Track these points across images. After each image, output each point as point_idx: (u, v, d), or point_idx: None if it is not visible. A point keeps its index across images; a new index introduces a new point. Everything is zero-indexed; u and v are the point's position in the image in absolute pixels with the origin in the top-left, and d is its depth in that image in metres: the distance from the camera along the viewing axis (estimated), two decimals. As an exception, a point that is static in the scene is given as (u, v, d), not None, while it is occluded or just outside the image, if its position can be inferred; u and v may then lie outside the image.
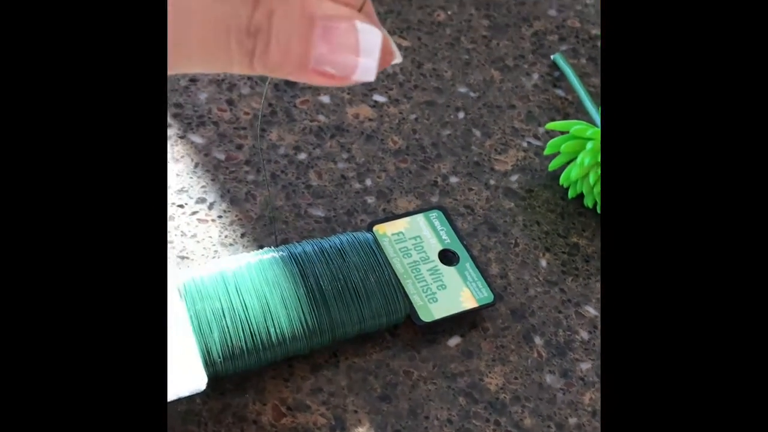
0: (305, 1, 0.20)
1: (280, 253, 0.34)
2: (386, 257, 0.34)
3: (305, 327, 0.31)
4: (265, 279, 0.32)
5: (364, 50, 0.20)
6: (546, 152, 0.41)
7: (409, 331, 0.34)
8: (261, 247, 0.36)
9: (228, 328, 0.31)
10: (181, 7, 0.19)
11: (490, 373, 0.33)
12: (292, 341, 0.31)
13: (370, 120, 0.42)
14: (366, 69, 0.20)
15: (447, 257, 0.36)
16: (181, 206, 0.36)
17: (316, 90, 0.43)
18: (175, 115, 0.40)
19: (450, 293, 0.34)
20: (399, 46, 0.47)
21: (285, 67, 0.20)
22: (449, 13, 0.50)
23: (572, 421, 0.32)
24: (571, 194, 0.40)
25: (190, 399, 0.31)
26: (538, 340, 0.35)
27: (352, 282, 0.33)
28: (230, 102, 0.42)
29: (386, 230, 0.36)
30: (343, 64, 0.20)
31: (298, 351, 0.31)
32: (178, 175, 0.38)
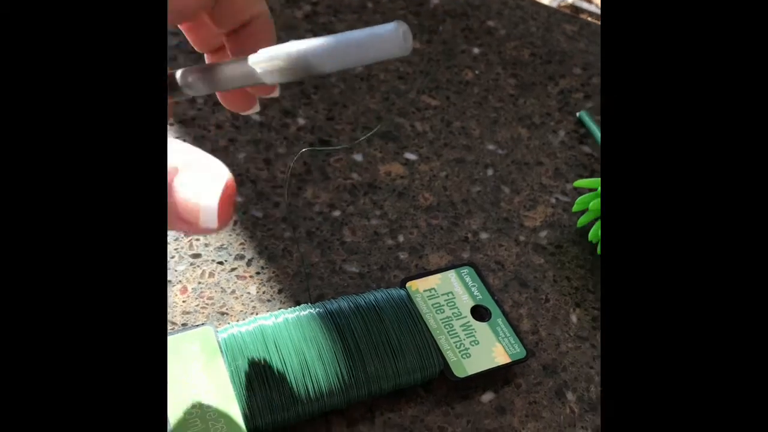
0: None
1: (317, 309, 0.35)
2: (420, 313, 0.35)
3: (342, 382, 0.32)
4: (303, 335, 0.33)
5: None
6: (574, 209, 0.42)
7: (443, 386, 0.34)
8: (298, 302, 0.37)
9: (268, 383, 0.31)
10: None
11: (523, 429, 0.34)
12: (330, 396, 0.32)
13: (402, 177, 0.44)
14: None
15: (479, 313, 0.36)
16: (221, 263, 0.38)
17: (350, 149, 0.45)
18: (214, 174, 0.42)
19: (483, 349, 0.35)
20: (428, 106, 0.49)
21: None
22: (477, 72, 0.51)
23: (607, 478, 0.32)
24: (600, 250, 0.40)
25: (230, 453, 0.31)
26: (570, 396, 0.35)
27: (388, 338, 0.34)
28: (267, 161, 0.43)
29: (419, 286, 0.37)
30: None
31: (335, 406, 0.32)
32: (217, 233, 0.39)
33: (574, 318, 0.38)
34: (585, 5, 0.56)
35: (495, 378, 0.35)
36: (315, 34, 0.52)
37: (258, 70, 0.24)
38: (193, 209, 0.20)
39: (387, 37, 0.23)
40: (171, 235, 0.38)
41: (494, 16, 0.56)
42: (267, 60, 0.24)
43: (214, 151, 0.43)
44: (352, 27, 0.53)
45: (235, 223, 0.40)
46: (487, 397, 0.34)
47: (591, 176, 0.46)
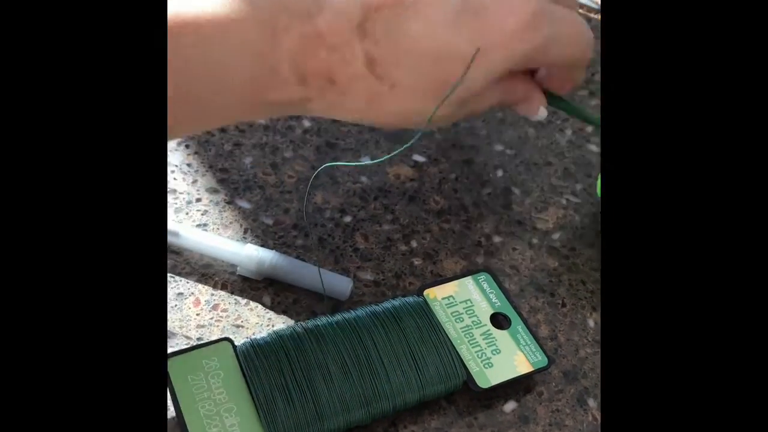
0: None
1: (335, 319, 0.34)
2: (440, 322, 0.35)
3: (366, 395, 0.32)
4: (324, 347, 0.32)
5: None
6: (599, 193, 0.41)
7: (465, 397, 0.34)
8: (314, 312, 0.36)
9: (291, 398, 0.31)
10: None
11: (547, 438, 0.33)
12: (354, 410, 0.31)
13: (411, 180, 0.43)
14: None
15: (498, 321, 0.36)
16: (232, 273, 0.37)
17: (357, 151, 0.44)
18: (221, 180, 0.41)
19: (505, 358, 0.34)
20: (434, 105, 0.48)
21: None
22: (480, 70, 0.51)
23: (632, 486, 0.32)
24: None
25: (253, 472, 0.31)
26: (592, 403, 0.35)
27: (410, 349, 0.33)
28: (274, 166, 0.42)
29: (436, 294, 0.36)
30: None
31: (359, 421, 0.32)
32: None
33: (591, 322, 0.38)
34: (586, 1, 0.55)
35: (517, 387, 0.35)
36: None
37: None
38: None
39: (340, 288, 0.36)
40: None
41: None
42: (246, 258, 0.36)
43: (219, 156, 0.42)
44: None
45: (246, 231, 0.39)
46: (510, 406, 0.34)
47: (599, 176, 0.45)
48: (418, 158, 0.44)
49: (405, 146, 0.34)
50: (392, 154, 0.36)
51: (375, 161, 0.43)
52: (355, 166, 0.43)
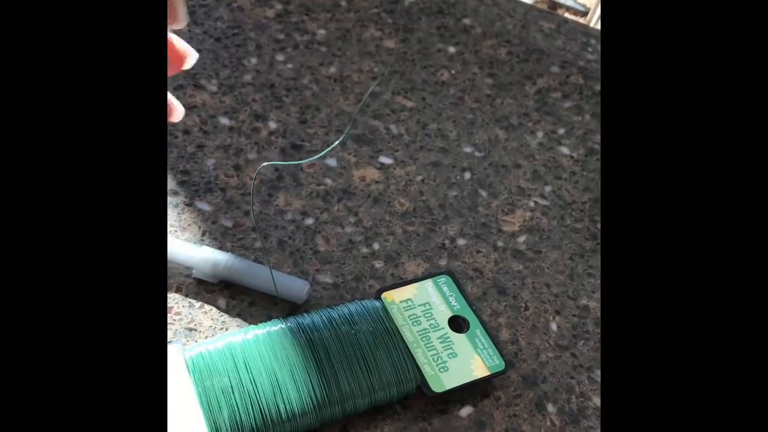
0: None
1: (289, 324, 0.33)
2: (395, 326, 0.34)
3: (315, 401, 0.31)
4: (274, 352, 0.32)
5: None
6: None
7: (420, 401, 0.33)
8: (269, 317, 0.35)
9: (237, 405, 0.30)
10: None
11: (503, 444, 0.33)
12: (302, 417, 0.31)
13: (377, 182, 0.43)
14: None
15: (457, 324, 0.35)
16: (188, 276, 0.36)
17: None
18: (181, 183, 0.41)
19: (461, 361, 0.34)
20: (404, 107, 0.47)
21: None
22: (453, 72, 0.50)
23: (589, 493, 0.32)
24: None
25: (198, 478, 0.30)
26: (550, 408, 0.34)
27: (362, 353, 0.32)
28: (237, 167, 0.42)
29: (395, 297, 0.36)
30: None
31: (307, 426, 0.31)
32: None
33: (554, 326, 0.37)
34: (570, 3, 0.55)
35: (473, 391, 0.34)
36: (286, 35, 0.50)
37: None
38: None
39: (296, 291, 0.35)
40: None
41: (470, 14, 0.55)
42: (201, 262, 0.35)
43: (181, 158, 0.42)
44: (324, 27, 0.52)
45: (204, 233, 0.38)
46: (466, 411, 0.33)
47: (570, 179, 0.45)
48: (385, 160, 0.44)
49: (334, 144, 0.33)
50: (325, 151, 0.35)
51: (309, 160, 0.43)
52: (294, 165, 0.42)
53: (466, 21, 0.55)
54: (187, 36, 0.49)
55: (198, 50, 0.48)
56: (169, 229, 0.38)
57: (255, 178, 0.41)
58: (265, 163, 0.34)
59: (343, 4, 0.54)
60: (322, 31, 0.51)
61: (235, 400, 0.30)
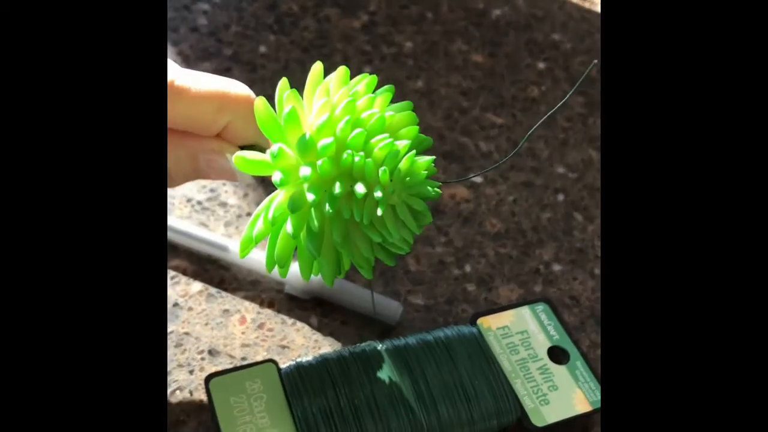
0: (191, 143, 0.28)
1: (384, 345, 0.32)
2: (493, 354, 0.33)
3: (414, 427, 0.30)
4: (371, 374, 0.31)
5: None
6: None
7: (518, 434, 0.32)
8: (361, 336, 0.35)
9: (336, 427, 0.29)
10: None
11: (605, 484, 0.31)
12: (400, 444, 0.30)
13: (467, 201, 0.42)
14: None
15: (556, 355, 0.34)
16: (279, 291, 0.36)
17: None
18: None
19: (562, 395, 0.32)
20: (493, 124, 0.46)
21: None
22: (543, 89, 0.49)
23: None
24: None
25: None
26: (654, 449, 0.32)
27: (461, 381, 0.31)
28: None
29: (491, 324, 0.35)
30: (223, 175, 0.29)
31: (405, 455, 0.30)
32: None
33: (655, 361, 0.36)
34: None
35: (573, 426, 0.33)
36: (373, 47, 0.50)
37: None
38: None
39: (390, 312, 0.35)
40: (229, 260, 0.36)
41: (559, 29, 0.54)
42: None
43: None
44: (411, 39, 0.51)
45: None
46: (566, 447, 0.32)
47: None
48: (475, 179, 0.43)
49: (510, 155, 0.32)
50: (498, 163, 0.34)
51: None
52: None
53: (555, 36, 0.53)
54: (276, 45, 0.49)
55: (285, 60, 0.48)
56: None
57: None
58: None
59: (430, 16, 0.53)
60: (408, 44, 0.51)
61: (334, 422, 0.29)
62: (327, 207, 0.25)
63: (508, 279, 0.38)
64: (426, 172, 0.26)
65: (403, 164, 0.25)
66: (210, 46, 0.48)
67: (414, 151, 0.26)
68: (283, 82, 0.26)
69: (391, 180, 0.25)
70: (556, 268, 0.39)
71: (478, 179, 0.43)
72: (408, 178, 0.25)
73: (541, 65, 0.51)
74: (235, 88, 0.28)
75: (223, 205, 0.39)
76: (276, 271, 0.35)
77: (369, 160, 0.25)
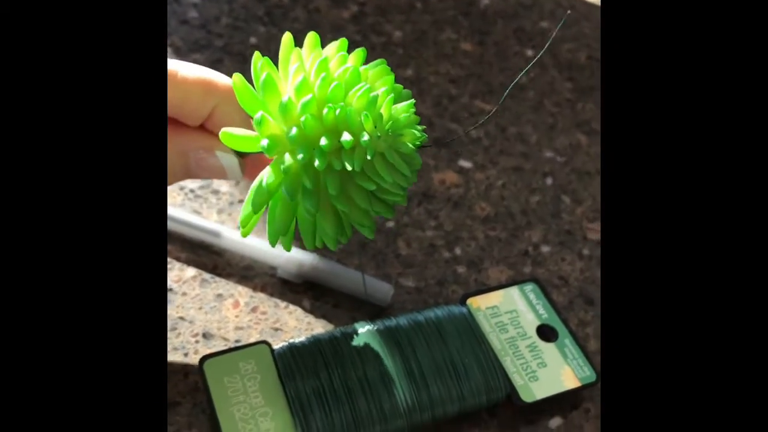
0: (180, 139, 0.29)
1: (376, 326, 0.33)
2: (483, 333, 0.33)
3: (405, 404, 0.30)
4: (363, 354, 0.32)
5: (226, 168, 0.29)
6: None
7: (508, 411, 0.33)
8: (353, 318, 0.35)
9: (328, 405, 0.30)
10: None
11: (594, 457, 0.32)
12: (392, 419, 0.30)
13: (457, 186, 0.42)
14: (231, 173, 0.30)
15: (545, 333, 0.35)
16: (272, 276, 0.36)
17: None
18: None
19: (551, 372, 0.33)
20: (482, 111, 0.47)
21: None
22: (531, 75, 0.50)
23: None
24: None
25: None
26: (642, 423, 0.33)
27: (451, 358, 0.32)
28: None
29: (480, 304, 0.35)
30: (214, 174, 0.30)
31: (397, 430, 0.31)
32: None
33: (643, 338, 0.36)
34: None
35: (563, 402, 0.33)
36: (363, 36, 0.50)
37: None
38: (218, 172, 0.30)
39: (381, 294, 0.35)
40: (222, 246, 0.37)
41: (547, 17, 0.54)
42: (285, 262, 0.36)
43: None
44: (400, 28, 0.51)
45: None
46: (555, 422, 0.33)
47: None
48: (465, 164, 0.43)
49: (490, 113, 0.33)
50: (480, 122, 0.34)
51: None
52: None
53: (543, 24, 0.54)
54: (266, 36, 0.49)
55: (275, 51, 0.48)
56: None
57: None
58: None
59: (419, 5, 0.54)
60: (398, 33, 0.51)
61: (327, 400, 0.30)
62: (317, 162, 0.25)
63: (497, 261, 0.39)
64: (407, 115, 0.27)
65: (384, 110, 0.26)
66: (201, 38, 0.49)
67: (392, 95, 0.26)
68: (256, 55, 0.27)
69: (375, 127, 0.25)
70: (545, 249, 0.39)
71: (468, 164, 0.43)
72: (391, 122, 0.26)
73: (530, 53, 0.51)
74: (220, 76, 0.28)
75: (216, 192, 0.40)
76: (268, 255, 0.36)
77: (350, 107, 0.25)
